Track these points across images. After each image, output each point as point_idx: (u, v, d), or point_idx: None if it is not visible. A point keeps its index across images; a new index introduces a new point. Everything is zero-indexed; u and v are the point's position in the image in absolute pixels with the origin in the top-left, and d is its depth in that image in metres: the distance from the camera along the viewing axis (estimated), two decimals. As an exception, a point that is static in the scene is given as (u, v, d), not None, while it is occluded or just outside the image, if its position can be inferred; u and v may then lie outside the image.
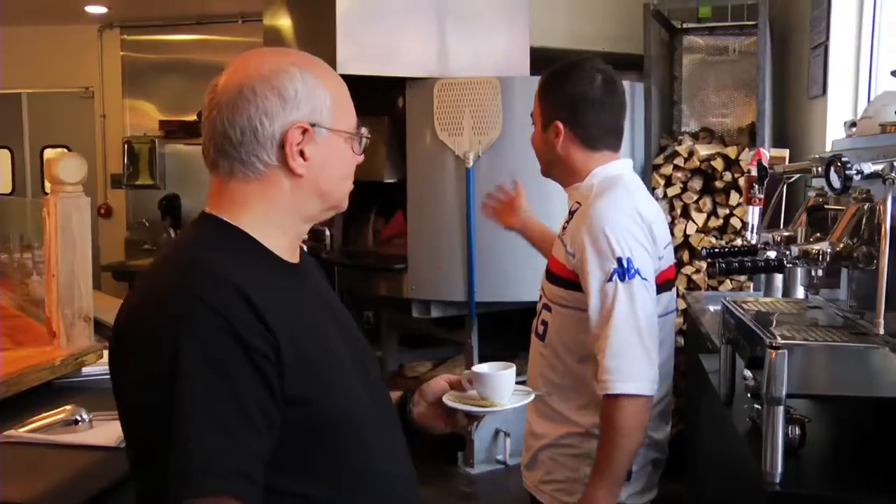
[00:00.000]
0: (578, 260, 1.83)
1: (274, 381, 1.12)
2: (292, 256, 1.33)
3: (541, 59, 4.27)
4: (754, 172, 3.18)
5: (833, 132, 3.67)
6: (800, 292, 3.14)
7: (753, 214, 3.22)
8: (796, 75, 4.21)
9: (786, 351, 1.54)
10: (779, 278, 3.31)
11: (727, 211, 4.05)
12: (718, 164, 4.06)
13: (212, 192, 1.29)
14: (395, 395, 1.52)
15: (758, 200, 3.20)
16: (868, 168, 1.47)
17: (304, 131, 1.24)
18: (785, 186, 2.07)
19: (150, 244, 5.75)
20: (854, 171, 1.47)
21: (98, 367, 2.52)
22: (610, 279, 1.77)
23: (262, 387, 1.11)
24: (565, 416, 1.89)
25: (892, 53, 3.52)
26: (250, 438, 1.09)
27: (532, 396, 1.51)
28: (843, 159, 1.47)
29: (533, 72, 4.26)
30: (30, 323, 2.79)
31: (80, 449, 1.82)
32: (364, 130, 1.34)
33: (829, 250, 1.62)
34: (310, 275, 1.38)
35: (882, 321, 1.42)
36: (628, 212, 1.83)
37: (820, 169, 2.01)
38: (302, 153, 1.24)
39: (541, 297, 2.02)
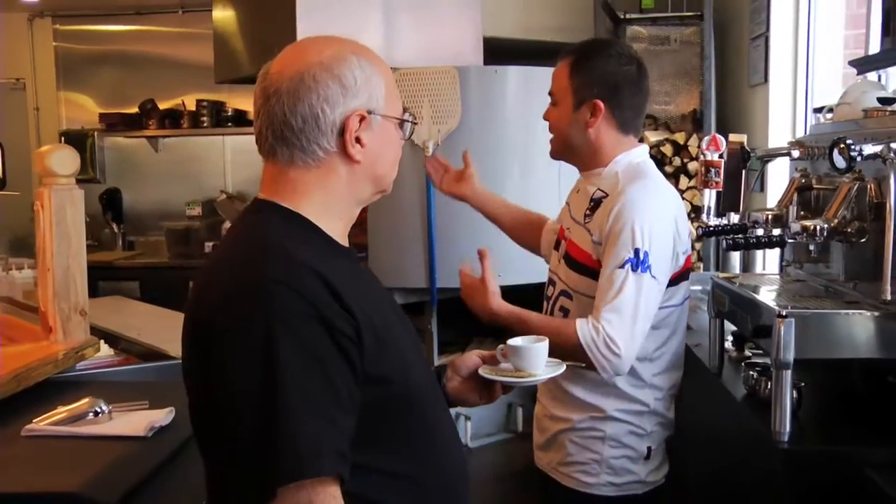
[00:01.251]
0: (603, 247, 1.83)
1: (356, 361, 1.16)
2: (345, 241, 1.38)
3: (492, 49, 4.36)
4: (710, 157, 3.35)
5: (776, 118, 3.89)
6: (758, 268, 3.35)
7: (710, 197, 3.39)
8: (736, 64, 4.41)
9: (793, 319, 1.68)
10: (735, 257, 3.52)
11: (677, 194, 4.22)
12: (668, 149, 4.21)
13: (267, 179, 1.31)
14: None
15: (714, 184, 3.37)
16: (868, 149, 1.60)
17: (362, 118, 1.27)
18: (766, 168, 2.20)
19: (92, 239, 5.57)
20: (857, 152, 1.59)
21: (89, 361, 2.49)
22: (622, 266, 1.77)
23: (347, 367, 1.15)
24: (586, 401, 1.91)
25: (828, 43, 3.75)
26: (343, 418, 1.13)
27: (563, 367, 1.54)
28: (848, 141, 1.59)
29: (486, 61, 4.34)
30: (7, 317, 2.74)
31: (108, 440, 1.80)
32: (409, 115, 1.40)
33: (825, 226, 1.76)
34: (359, 258, 1.44)
35: (889, 288, 1.56)
36: (658, 207, 1.84)
37: (796, 152, 2.18)
38: (359, 140, 1.28)
39: (554, 282, 2.01)
